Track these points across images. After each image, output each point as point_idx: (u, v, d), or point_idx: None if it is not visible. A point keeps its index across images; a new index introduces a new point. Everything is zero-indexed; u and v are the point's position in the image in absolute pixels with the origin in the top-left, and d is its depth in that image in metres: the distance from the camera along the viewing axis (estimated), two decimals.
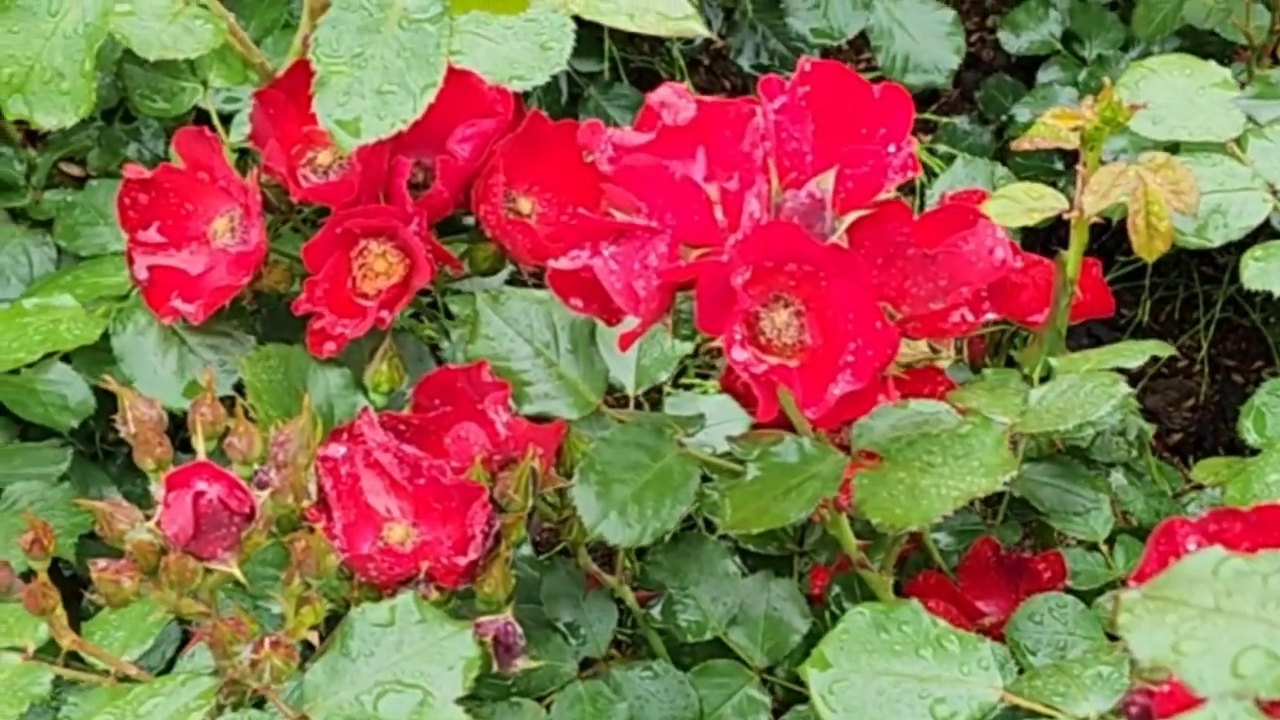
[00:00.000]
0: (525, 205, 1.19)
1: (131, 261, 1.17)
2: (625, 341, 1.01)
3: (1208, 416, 1.96)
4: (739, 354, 0.98)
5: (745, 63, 1.79)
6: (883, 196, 1.02)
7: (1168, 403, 1.97)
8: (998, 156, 1.93)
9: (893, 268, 1.04)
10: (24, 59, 1.15)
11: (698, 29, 1.07)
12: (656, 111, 1.04)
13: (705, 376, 1.63)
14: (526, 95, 1.45)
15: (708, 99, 1.03)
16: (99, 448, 1.44)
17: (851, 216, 1.01)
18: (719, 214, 1.01)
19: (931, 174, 1.84)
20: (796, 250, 0.99)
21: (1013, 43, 1.84)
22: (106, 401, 1.34)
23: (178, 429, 1.03)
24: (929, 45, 1.66)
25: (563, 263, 1.01)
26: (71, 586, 1.25)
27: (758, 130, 1.01)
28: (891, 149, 1.03)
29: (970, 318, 1.08)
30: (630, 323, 1.01)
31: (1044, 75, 1.84)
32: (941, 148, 1.90)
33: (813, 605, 1.30)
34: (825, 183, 1.01)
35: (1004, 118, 1.89)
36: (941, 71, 1.67)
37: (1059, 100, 1.78)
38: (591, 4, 1.06)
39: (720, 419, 1.22)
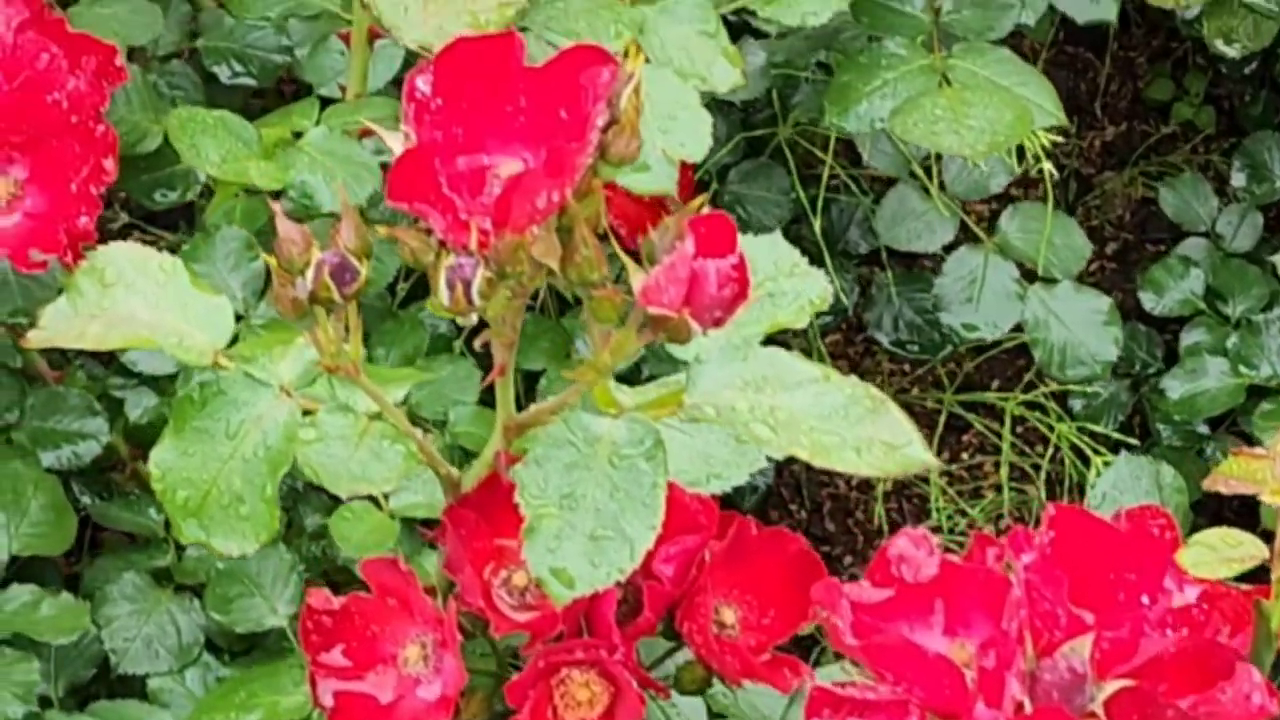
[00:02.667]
0: (728, 615, 1.13)
1: (314, 684, 1.11)
2: None
3: None
4: None
5: (884, 339, 1.74)
6: None
7: None
8: (1135, 413, 1.87)
9: None
10: (200, 482, 1.09)
11: (926, 457, 1.01)
12: (894, 564, 0.99)
13: None
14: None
15: (951, 558, 0.98)
16: None
17: (1112, 686, 0.95)
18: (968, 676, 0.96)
19: (1079, 454, 1.79)
20: None
21: (1155, 304, 1.78)
22: None
23: None
24: (1086, 336, 1.60)
25: None
26: None
27: (1016, 604, 0.95)
28: (1145, 599, 0.98)
29: None
30: None
31: (1188, 337, 1.77)
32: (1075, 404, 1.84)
33: None
34: (1082, 650, 0.95)
35: (1139, 369, 1.83)
36: (1099, 364, 1.62)
37: (1209, 373, 1.72)
38: (818, 445, 1.00)
39: None
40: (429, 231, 0.95)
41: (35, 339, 1.10)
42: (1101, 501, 1.53)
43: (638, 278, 0.96)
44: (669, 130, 1.29)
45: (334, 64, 1.52)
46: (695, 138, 1.30)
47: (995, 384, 1.98)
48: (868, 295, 1.76)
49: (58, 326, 1.10)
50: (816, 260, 1.75)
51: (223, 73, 1.58)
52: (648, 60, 1.33)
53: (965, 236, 1.66)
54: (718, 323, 0.96)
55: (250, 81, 1.58)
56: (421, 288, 1.59)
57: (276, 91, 1.68)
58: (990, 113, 1.38)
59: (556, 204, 0.94)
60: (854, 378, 1.04)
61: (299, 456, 1.08)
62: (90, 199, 1.22)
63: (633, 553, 1.00)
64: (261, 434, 1.09)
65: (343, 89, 1.48)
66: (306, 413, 1.10)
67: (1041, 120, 1.41)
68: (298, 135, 1.38)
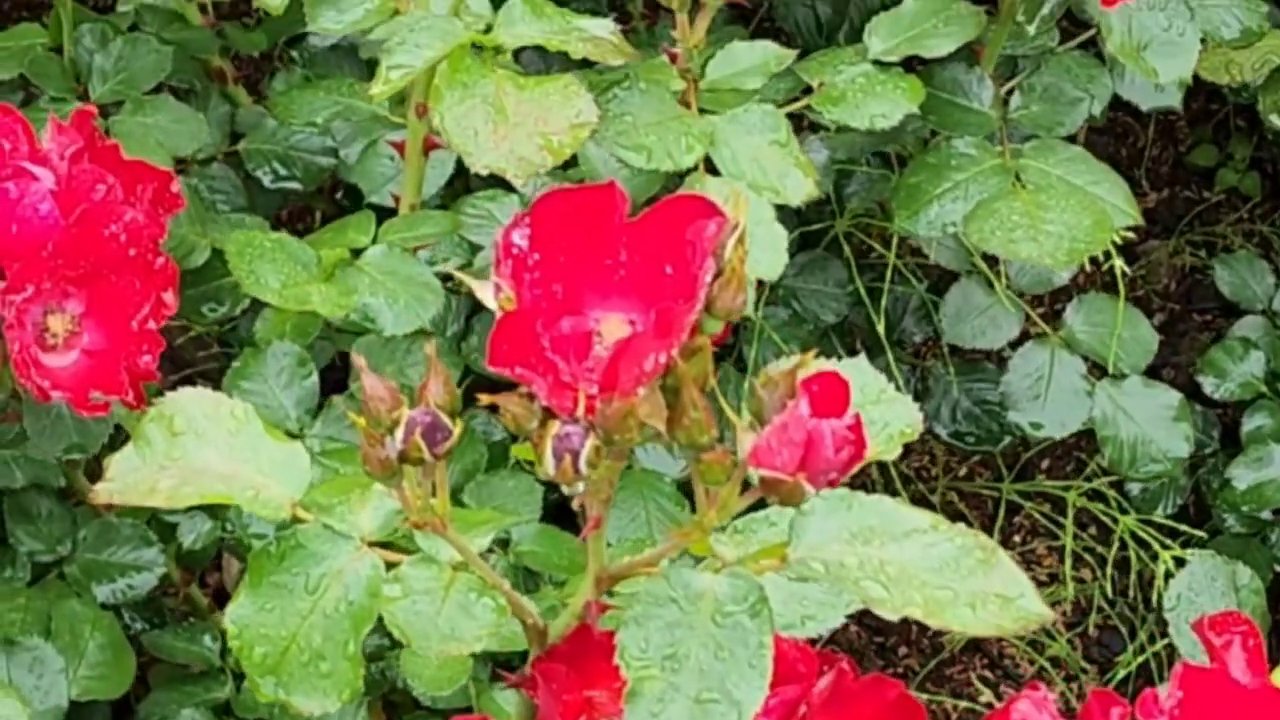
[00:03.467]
0: None
1: None
2: None
3: None
4: None
5: (943, 430, 1.69)
6: None
7: None
8: (1194, 494, 1.83)
9: None
10: (278, 639, 1.04)
11: (1042, 610, 0.97)
12: None
13: None
14: None
15: None
16: None
17: None
18: None
19: (1139, 541, 1.75)
20: None
21: (1216, 388, 1.74)
22: None
23: None
24: (1156, 433, 1.56)
25: None
26: None
27: None
28: None
29: None
30: None
31: (1250, 423, 1.73)
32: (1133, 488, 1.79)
33: None
34: None
35: (1195, 449, 1.78)
36: (1171, 461, 1.57)
37: (1275, 461, 1.67)
38: (932, 602, 0.95)
39: None
40: (531, 396, 0.90)
41: (104, 492, 1.05)
42: (1177, 603, 1.49)
43: (747, 438, 0.92)
44: None
45: (384, 169, 1.47)
46: (771, 255, 1.26)
47: (1046, 463, 1.93)
48: (925, 386, 1.71)
49: (127, 479, 1.06)
50: (874, 351, 1.72)
51: (265, 176, 1.54)
52: (718, 173, 1.30)
53: (1029, 330, 1.61)
54: (832, 484, 0.92)
55: (295, 185, 1.53)
56: (472, 395, 1.54)
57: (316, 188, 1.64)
58: (1068, 217, 1.34)
59: (664, 365, 0.89)
60: (961, 525, 1.00)
61: (384, 615, 1.03)
62: (152, 337, 1.17)
63: (740, 716, 0.95)
64: (343, 588, 1.04)
65: (396, 198, 1.44)
66: (389, 565, 1.06)
67: (1117, 221, 1.37)
68: (355, 252, 1.34)
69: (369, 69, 1.65)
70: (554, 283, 0.91)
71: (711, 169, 1.29)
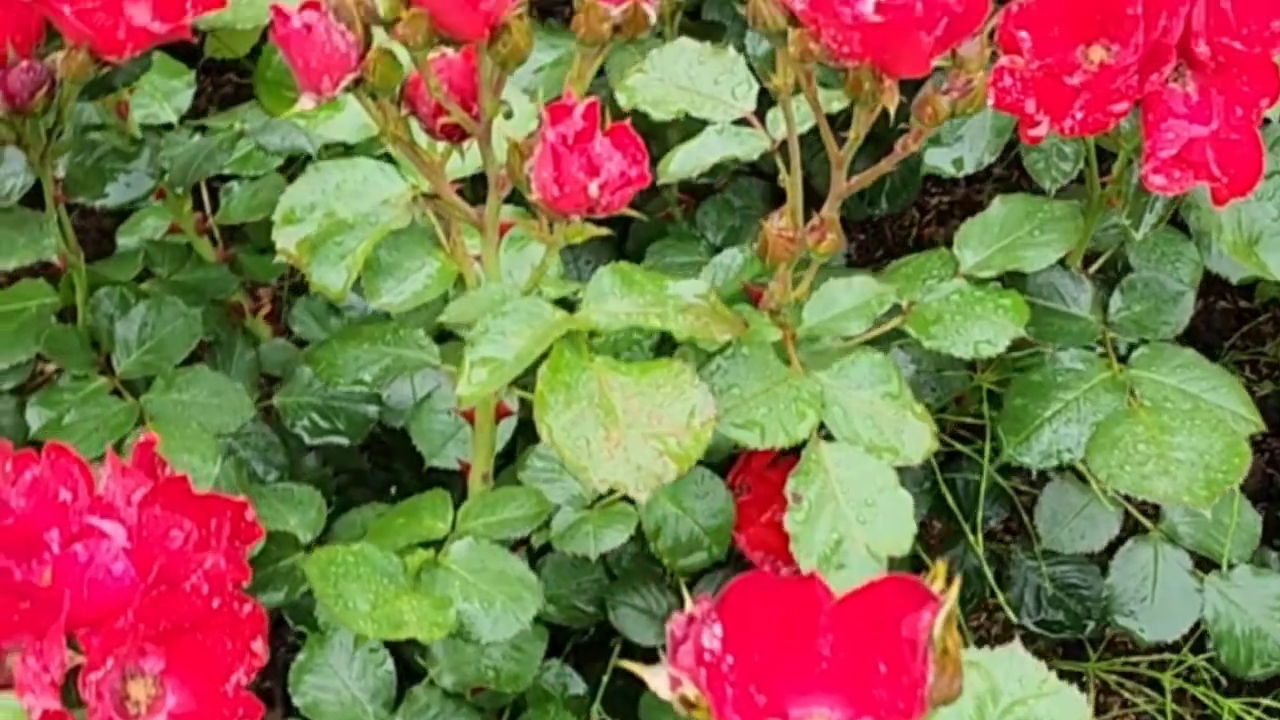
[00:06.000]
0: None
1: None
2: None
3: None
4: None
5: (1029, 621, 1.59)
6: None
7: None
8: None
9: None
10: None
11: None
12: None
13: None
14: None
15: None
16: None
17: None
18: None
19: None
20: None
21: None
22: None
23: None
24: (1271, 625, 1.45)
25: None
26: None
27: None
28: None
29: None
30: None
31: None
32: None
33: None
34: None
35: None
36: None
37: None
38: None
39: None
40: None
41: None
42: None
43: None
44: (867, 520, 1.14)
45: (442, 427, 1.35)
46: (897, 525, 1.15)
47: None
48: (1005, 573, 1.61)
49: None
50: (951, 540, 1.61)
51: (305, 431, 1.41)
52: (831, 438, 1.19)
53: (1128, 523, 1.51)
54: None
55: (339, 440, 1.41)
56: None
57: None
58: (1196, 441, 1.23)
59: None
60: None
61: None
62: (249, 701, 1.05)
63: None
64: None
65: (463, 464, 1.32)
66: None
67: (1241, 431, 1.27)
68: (435, 545, 1.22)
69: None
70: (751, 684, 0.81)
71: (822, 429, 1.18)
